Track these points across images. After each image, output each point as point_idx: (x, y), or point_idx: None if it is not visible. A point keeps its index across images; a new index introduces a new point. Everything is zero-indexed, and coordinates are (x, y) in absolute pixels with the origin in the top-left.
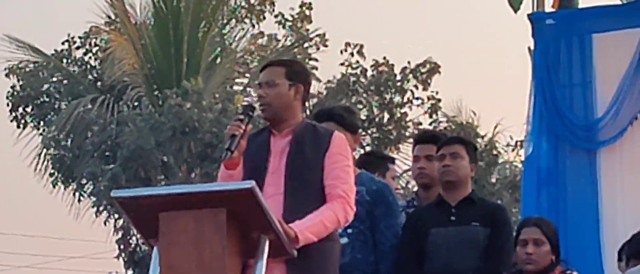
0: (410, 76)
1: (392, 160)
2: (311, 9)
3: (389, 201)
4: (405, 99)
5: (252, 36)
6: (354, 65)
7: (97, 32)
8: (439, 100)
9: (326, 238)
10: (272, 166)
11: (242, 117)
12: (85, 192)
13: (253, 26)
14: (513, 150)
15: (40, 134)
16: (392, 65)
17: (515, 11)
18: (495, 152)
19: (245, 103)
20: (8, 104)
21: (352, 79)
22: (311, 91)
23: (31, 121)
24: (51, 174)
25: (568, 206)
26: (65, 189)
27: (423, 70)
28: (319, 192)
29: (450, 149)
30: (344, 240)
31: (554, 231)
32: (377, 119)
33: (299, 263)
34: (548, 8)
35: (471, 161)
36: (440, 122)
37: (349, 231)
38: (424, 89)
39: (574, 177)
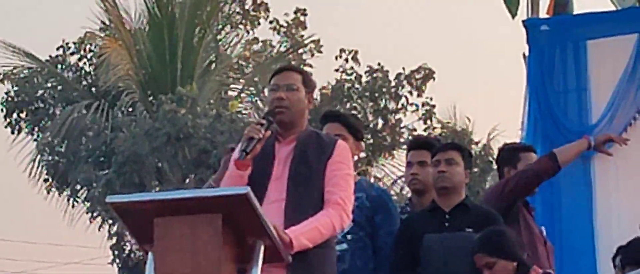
0: (405, 82)
1: (526, 148)
2: (306, 15)
3: (389, 207)
4: (399, 105)
5: (246, 42)
6: (349, 72)
7: (92, 38)
8: (434, 106)
9: (325, 245)
10: (275, 173)
11: (263, 122)
12: (79, 198)
13: (248, 32)
14: None
15: (35, 139)
16: (387, 71)
17: (513, 16)
18: (489, 158)
19: (267, 109)
20: (2, 110)
21: (347, 85)
22: None
23: (25, 127)
24: (45, 180)
25: (563, 212)
26: (59, 194)
27: (417, 76)
28: (322, 199)
29: (445, 155)
30: (343, 247)
31: (502, 244)
32: (371, 125)
33: (299, 269)
34: (543, 14)
35: (466, 167)
36: (435, 128)
37: (349, 237)
38: (419, 95)
39: (568, 183)
